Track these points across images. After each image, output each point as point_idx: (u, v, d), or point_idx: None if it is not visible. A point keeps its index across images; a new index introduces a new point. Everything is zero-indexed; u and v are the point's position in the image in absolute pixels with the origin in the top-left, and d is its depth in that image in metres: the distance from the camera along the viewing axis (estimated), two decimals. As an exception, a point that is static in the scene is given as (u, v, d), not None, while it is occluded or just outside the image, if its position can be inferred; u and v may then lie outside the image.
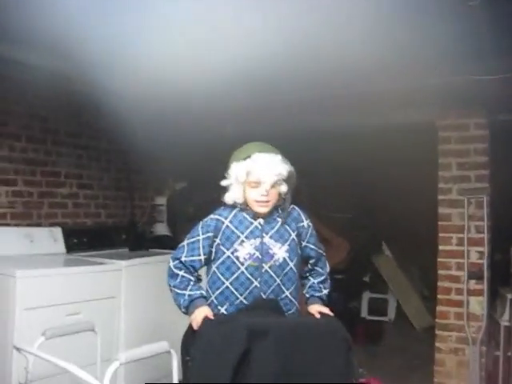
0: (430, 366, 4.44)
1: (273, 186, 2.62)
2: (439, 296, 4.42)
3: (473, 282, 4.28)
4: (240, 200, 2.66)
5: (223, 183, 2.68)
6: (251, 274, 2.61)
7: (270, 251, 2.65)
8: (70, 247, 4.48)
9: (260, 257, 2.63)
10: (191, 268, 2.67)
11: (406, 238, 6.57)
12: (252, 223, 2.68)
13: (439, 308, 4.42)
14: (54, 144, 4.69)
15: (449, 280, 4.36)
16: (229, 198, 2.67)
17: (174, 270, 2.67)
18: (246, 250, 2.62)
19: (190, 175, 5.45)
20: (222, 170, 2.72)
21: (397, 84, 4.01)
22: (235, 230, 2.66)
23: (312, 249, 2.83)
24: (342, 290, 6.16)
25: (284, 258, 2.67)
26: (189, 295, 2.61)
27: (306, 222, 2.82)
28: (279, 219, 2.72)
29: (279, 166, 2.61)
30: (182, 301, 2.61)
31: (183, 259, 2.66)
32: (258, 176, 2.59)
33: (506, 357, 4.40)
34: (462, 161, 4.29)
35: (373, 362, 5.26)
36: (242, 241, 2.64)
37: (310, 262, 2.86)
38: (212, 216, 2.72)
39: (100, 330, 3.23)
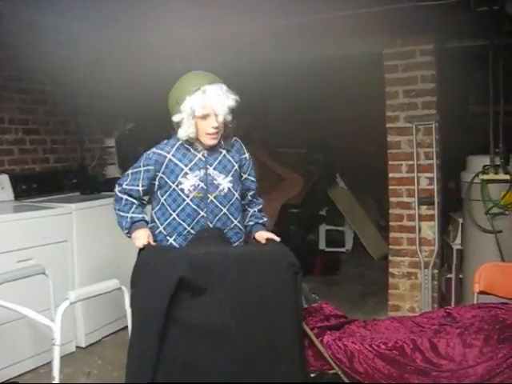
0: (386, 292, 4.56)
1: None
2: (391, 223, 4.51)
3: (424, 207, 4.37)
4: (193, 134, 2.63)
5: (175, 118, 2.63)
6: (197, 205, 2.65)
7: (215, 182, 2.68)
8: (19, 194, 4.38)
9: (205, 187, 2.66)
10: (131, 196, 2.72)
11: (360, 169, 6.64)
12: (196, 156, 2.69)
13: (392, 234, 4.52)
14: (-6, 89, 4.51)
15: (400, 207, 4.44)
16: (182, 133, 2.64)
17: (118, 194, 2.73)
18: (190, 182, 2.65)
19: (139, 115, 5.34)
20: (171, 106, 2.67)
21: (344, 13, 3.94)
22: (179, 163, 2.67)
23: (252, 181, 2.89)
24: (299, 224, 6.26)
25: (229, 188, 2.71)
26: (131, 217, 2.67)
27: (247, 155, 2.85)
28: (222, 150, 2.75)
29: (229, 98, 2.60)
30: (124, 223, 2.68)
31: (124, 186, 2.72)
32: (211, 108, 2.57)
33: (457, 279, 4.57)
34: (408, 88, 4.29)
35: (330, 289, 5.43)
36: (186, 173, 2.65)
37: (250, 193, 2.90)
38: (154, 150, 2.71)
39: (54, 274, 3.23)
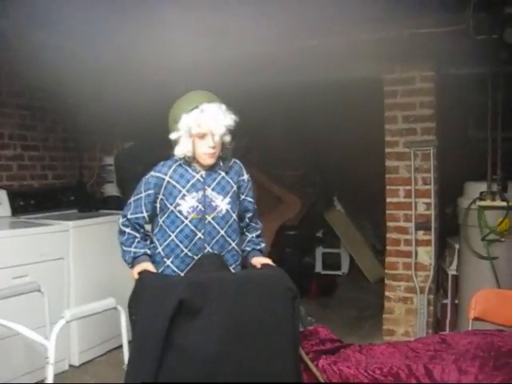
0: (381, 316, 4.54)
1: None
2: (388, 247, 4.50)
3: (421, 232, 4.37)
4: (190, 153, 2.63)
5: (173, 136, 2.64)
6: (195, 226, 2.64)
7: (213, 203, 2.67)
8: (16, 210, 4.39)
9: (203, 209, 2.65)
10: (136, 225, 2.71)
11: (357, 192, 6.63)
12: (194, 176, 2.69)
13: (388, 259, 4.51)
14: (-5, 105, 4.53)
15: (397, 231, 4.44)
16: (179, 151, 2.64)
17: (121, 227, 2.72)
18: (188, 204, 2.64)
19: (139, 133, 5.35)
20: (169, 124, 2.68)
21: (344, 39, 3.98)
22: (176, 185, 2.66)
23: (250, 202, 2.86)
24: (296, 246, 6.24)
25: (227, 210, 2.70)
26: (134, 252, 2.66)
27: (246, 176, 2.84)
28: (221, 171, 2.74)
29: (227, 117, 2.60)
30: (127, 257, 2.68)
31: (129, 217, 2.70)
32: (207, 127, 2.57)
33: (453, 304, 4.55)
34: (407, 114, 4.32)
35: (326, 313, 5.41)
36: (184, 195, 2.65)
37: (248, 215, 2.88)
38: (152, 173, 2.72)
39: (49, 291, 3.21)
